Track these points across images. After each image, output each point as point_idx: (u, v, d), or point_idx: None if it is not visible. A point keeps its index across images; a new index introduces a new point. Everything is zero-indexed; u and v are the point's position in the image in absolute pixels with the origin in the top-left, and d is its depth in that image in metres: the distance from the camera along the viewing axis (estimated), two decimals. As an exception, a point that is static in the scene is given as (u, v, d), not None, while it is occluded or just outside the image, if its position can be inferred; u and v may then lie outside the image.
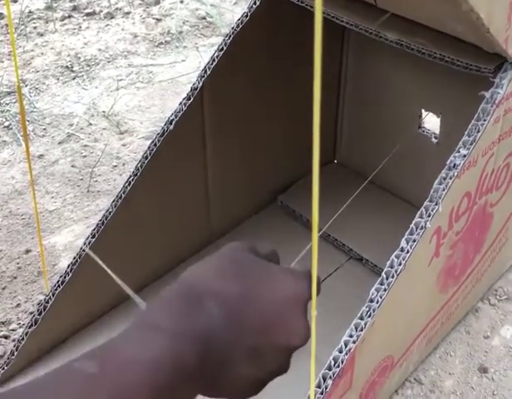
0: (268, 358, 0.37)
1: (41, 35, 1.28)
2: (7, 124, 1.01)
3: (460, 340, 0.66)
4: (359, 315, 0.46)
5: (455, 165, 0.48)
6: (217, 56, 0.63)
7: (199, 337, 0.34)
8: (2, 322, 0.69)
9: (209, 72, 0.63)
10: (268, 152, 0.74)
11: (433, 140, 0.72)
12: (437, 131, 0.71)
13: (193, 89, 0.63)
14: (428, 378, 0.62)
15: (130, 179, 0.61)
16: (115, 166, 0.93)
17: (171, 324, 0.35)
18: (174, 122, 0.62)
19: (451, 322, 0.65)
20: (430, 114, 0.71)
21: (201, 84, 0.62)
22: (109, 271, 0.54)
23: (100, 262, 0.56)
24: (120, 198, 0.60)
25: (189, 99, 0.62)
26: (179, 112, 0.62)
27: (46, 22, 1.32)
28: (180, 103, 0.62)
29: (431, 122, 0.72)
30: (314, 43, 0.23)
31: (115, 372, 0.33)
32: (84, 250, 0.60)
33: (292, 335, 0.38)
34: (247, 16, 0.63)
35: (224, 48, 0.63)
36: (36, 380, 0.31)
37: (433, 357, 0.64)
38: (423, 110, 0.72)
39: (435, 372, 0.63)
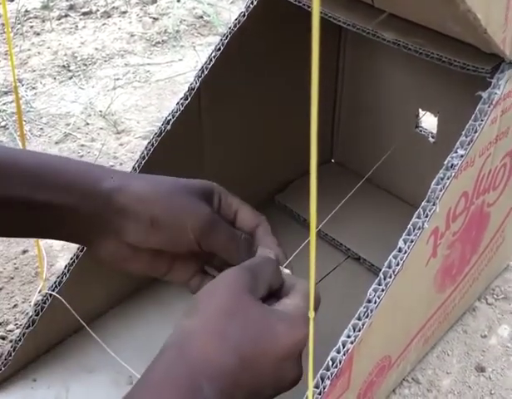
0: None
1: (38, 34, 1.28)
2: (3, 124, 1.01)
3: (457, 339, 0.66)
4: (357, 315, 0.46)
5: (452, 165, 0.48)
6: (214, 56, 0.63)
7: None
8: None
9: (206, 72, 0.62)
10: (266, 152, 0.74)
11: (430, 139, 0.72)
12: (434, 131, 0.71)
13: (190, 89, 0.63)
14: (425, 377, 0.62)
15: (128, 180, 0.61)
16: (113, 166, 0.92)
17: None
18: (171, 122, 0.62)
19: (449, 322, 0.66)
20: (428, 113, 0.72)
21: (198, 84, 0.62)
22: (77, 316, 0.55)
23: (68, 306, 0.57)
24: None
25: (186, 99, 0.62)
26: (177, 112, 0.62)
27: (43, 22, 1.32)
28: (178, 103, 0.62)
29: (428, 122, 0.72)
30: (312, 43, 0.23)
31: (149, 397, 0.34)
32: (81, 250, 0.60)
33: (285, 385, 0.40)
34: (244, 15, 0.63)
35: (222, 48, 0.63)
36: None
37: (430, 356, 0.64)
38: (420, 110, 0.72)
39: (433, 372, 0.63)
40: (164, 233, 0.46)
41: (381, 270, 0.69)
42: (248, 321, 0.38)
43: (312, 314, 0.32)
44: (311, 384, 0.36)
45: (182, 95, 0.62)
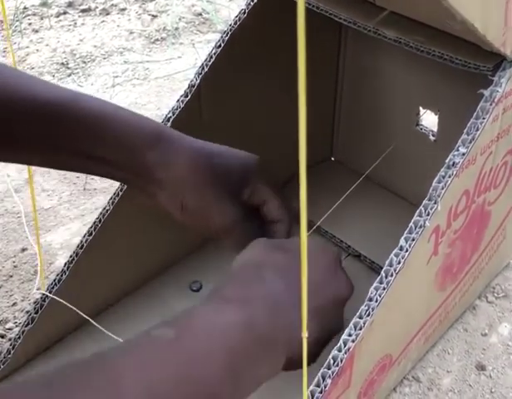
0: (327, 316, 0.44)
1: (37, 31, 1.27)
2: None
3: (457, 337, 0.66)
4: (358, 314, 0.46)
5: (454, 163, 0.48)
6: (214, 53, 0.62)
7: (266, 303, 0.39)
8: (-1, 321, 0.69)
9: (206, 69, 0.62)
10: (266, 149, 0.73)
11: (431, 137, 0.72)
12: (435, 129, 0.71)
13: (190, 86, 0.62)
14: (426, 376, 0.62)
15: (128, 177, 0.61)
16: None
17: (241, 295, 0.40)
18: (171, 119, 0.61)
19: (449, 320, 0.65)
20: (428, 111, 0.71)
21: (199, 81, 0.62)
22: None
23: (65, 302, 0.57)
24: (118, 195, 0.60)
25: (186, 96, 0.62)
26: (177, 109, 0.62)
27: (41, 19, 1.31)
28: (178, 100, 0.62)
29: (429, 120, 0.72)
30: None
31: (191, 339, 0.36)
32: (81, 248, 0.60)
33: (342, 288, 0.46)
34: (244, 12, 0.62)
35: (222, 45, 0.62)
36: (118, 345, 0.35)
37: (431, 354, 0.64)
38: (421, 108, 0.72)
39: (433, 370, 0.63)
40: (190, 217, 0.50)
41: (381, 268, 0.69)
42: (291, 243, 0.46)
43: (304, 334, 0.34)
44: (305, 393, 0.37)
45: (181, 92, 0.62)
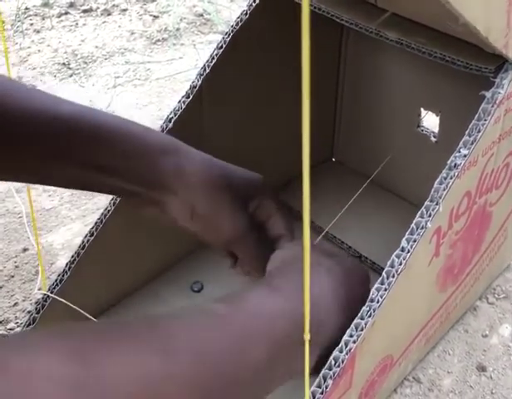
0: (352, 308, 0.45)
1: (38, 32, 1.27)
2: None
3: (458, 339, 0.66)
4: (359, 315, 0.46)
5: (455, 164, 0.48)
6: (216, 54, 0.63)
7: (311, 300, 0.39)
8: (0, 322, 0.69)
9: (208, 70, 0.62)
10: (268, 150, 0.74)
11: (432, 139, 0.72)
12: (436, 130, 0.71)
13: (192, 87, 0.63)
14: (426, 377, 0.62)
15: (129, 178, 0.61)
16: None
17: (288, 288, 0.41)
18: (173, 120, 0.62)
19: (450, 321, 0.66)
20: (429, 113, 0.71)
21: (200, 82, 0.62)
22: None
23: (67, 302, 0.57)
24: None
25: (188, 97, 0.62)
26: (179, 110, 0.62)
27: (43, 19, 1.32)
28: (179, 101, 0.62)
29: (430, 121, 0.72)
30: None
31: (242, 318, 0.38)
32: (82, 248, 0.60)
33: (366, 284, 0.49)
34: (246, 14, 0.62)
35: (224, 46, 0.62)
36: (170, 312, 0.37)
37: (431, 355, 0.64)
38: (422, 109, 0.72)
39: (434, 371, 0.63)
40: (201, 225, 0.51)
41: (382, 269, 0.70)
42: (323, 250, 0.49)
43: (307, 336, 0.34)
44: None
45: (182, 93, 0.62)
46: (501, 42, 0.48)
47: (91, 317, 0.59)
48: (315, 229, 0.76)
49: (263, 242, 0.53)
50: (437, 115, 0.71)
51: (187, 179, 0.50)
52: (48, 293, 0.59)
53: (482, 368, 0.63)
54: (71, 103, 0.49)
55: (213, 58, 0.63)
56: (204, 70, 0.63)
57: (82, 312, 0.59)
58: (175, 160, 0.50)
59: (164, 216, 0.52)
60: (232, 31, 0.63)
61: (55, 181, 0.50)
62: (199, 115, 0.65)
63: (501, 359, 0.64)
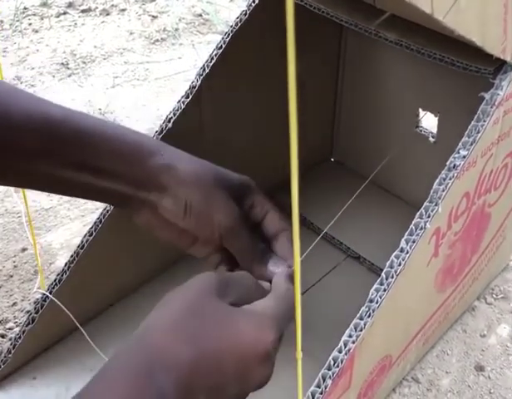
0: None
1: (37, 31, 1.27)
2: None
3: (456, 339, 0.66)
4: (358, 315, 0.46)
5: (454, 165, 0.48)
6: (216, 55, 0.63)
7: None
8: (-1, 321, 0.69)
9: (207, 70, 0.62)
10: (266, 149, 0.74)
11: (430, 139, 0.72)
12: (435, 131, 0.72)
13: (191, 87, 0.63)
14: (425, 377, 0.62)
15: (129, 178, 0.61)
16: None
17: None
18: (172, 120, 0.62)
19: (448, 321, 0.66)
20: (428, 113, 0.72)
21: (200, 82, 0.62)
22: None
23: (62, 305, 0.57)
24: (119, 196, 0.60)
25: (187, 97, 0.62)
26: (178, 110, 0.62)
27: (42, 19, 1.31)
28: (179, 101, 0.62)
29: (429, 122, 0.73)
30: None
31: None
32: (82, 248, 0.60)
33: (251, 385, 0.39)
34: (245, 14, 0.62)
35: (223, 46, 0.63)
36: None
37: (430, 355, 0.64)
38: (421, 110, 0.72)
39: (432, 371, 0.63)
40: (194, 220, 0.49)
41: (380, 269, 0.70)
42: (211, 318, 0.38)
43: (299, 355, 0.32)
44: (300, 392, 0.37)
45: (181, 93, 0.62)
46: (498, 49, 0.48)
47: (79, 327, 0.59)
48: (313, 230, 0.76)
49: (256, 239, 0.51)
50: (436, 116, 0.71)
51: (178, 177, 0.49)
52: (47, 294, 0.59)
53: (480, 368, 0.63)
54: (59, 106, 0.48)
55: (212, 58, 0.63)
56: (204, 70, 0.63)
57: (74, 319, 0.59)
58: (164, 160, 0.49)
59: (156, 220, 0.51)
60: (231, 31, 0.63)
61: (42, 185, 0.49)
62: (199, 115, 0.65)
63: (499, 359, 0.64)
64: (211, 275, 0.41)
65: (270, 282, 0.46)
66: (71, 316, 0.59)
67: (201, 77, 0.63)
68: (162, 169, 0.49)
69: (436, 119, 0.71)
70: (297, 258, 0.30)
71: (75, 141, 0.47)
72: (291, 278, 0.46)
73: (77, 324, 0.60)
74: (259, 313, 0.40)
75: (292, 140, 0.26)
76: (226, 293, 0.41)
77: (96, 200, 0.52)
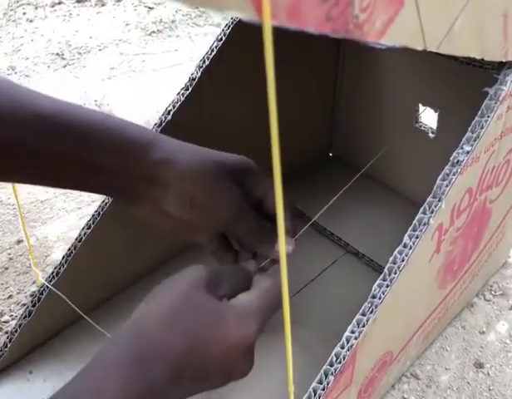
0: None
1: (31, 21, 1.26)
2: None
3: (456, 335, 0.66)
4: (361, 311, 0.46)
5: (458, 161, 0.48)
6: (216, 46, 0.62)
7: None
8: (-6, 314, 0.68)
9: (207, 62, 0.62)
10: (266, 144, 0.73)
11: (430, 134, 0.72)
12: (434, 126, 0.71)
13: (191, 79, 0.62)
14: (424, 373, 0.62)
15: (127, 171, 0.60)
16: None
17: (113, 390, 0.36)
18: (172, 112, 0.61)
19: (448, 318, 0.66)
20: (428, 109, 0.71)
21: (200, 74, 0.62)
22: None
23: (63, 296, 0.57)
24: (117, 189, 0.59)
25: (187, 89, 0.61)
26: (177, 102, 0.61)
27: (36, 8, 1.30)
28: (178, 93, 0.62)
29: (429, 117, 0.72)
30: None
31: None
32: (79, 241, 0.59)
33: (233, 374, 0.41)
34: (246, 6, 0.62)
35: (223, 38, 0.62)
36: None
37: (429, 351, 0.64)
38: (420, 105, 0.72)
39: (432, 367, 0.63)
40: (199, 211, 0.49)
41: (379, 265, 0.69)
42: (199, 311, 0.40)
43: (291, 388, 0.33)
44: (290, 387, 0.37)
45: (177, 85, 0.62)
46: (499, 54, 0.48)
47: (84, 316, 0.59)
48: (311, 225, 0.75)
49: (261, 220, 0.52)
50: (436, 112, 0.70)
51: (178, 171, 0.48)
52: (47, 284, 0.58)
53: (479, 365, 0.63)
54: (54, 99, 0.47)
55: (212, 50, 0.62)
56: (204, 62, 0.62)
57: (77, 309, 0.58)
58: (163, 153, 0.48)
59: (156, 212, 0.50)
60: (232, 23, 0.62)
61: (38, 180, 0.48)
62: (199, 107, 0.64)
63: (498, 356, 0.64)
64: (201, 268, 0.43)
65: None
66: (73, 306, 0.58)
67: (201, 69, 0.62)
68: (162, 163, 0.48)
69: (436, 114, 0.70)
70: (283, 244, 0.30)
71: (70, 135, 0.46)
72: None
73: (80, 313, 0.59)
74: (244, 308, 0.41)
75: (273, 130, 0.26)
76: (215, 287, 0.42)
77: (94, 193, 0.51)
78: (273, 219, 0.52)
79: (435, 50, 0.41)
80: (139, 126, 0.51)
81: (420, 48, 0.39)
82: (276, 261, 0.50)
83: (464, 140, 0.49)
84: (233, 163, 0.51)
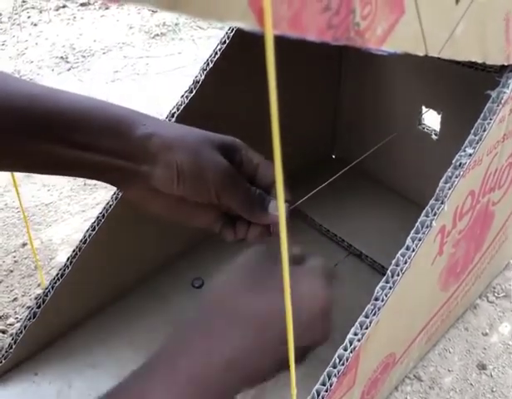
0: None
1: (35, 25, 1.27)
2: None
3: (458, 337, 0.66)
4: (364, 313, 0.46)
5: (460, 164, 0.48)
6: (219, 49, 0.62)
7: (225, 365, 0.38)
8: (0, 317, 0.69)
9: (211, 65, 0.62)
10: (268, 145, 0.74)
11: (433, 136, 0.72)
12: (437, 128, 0.71)
13: (195, 81, 0.62)
14: (427, 375, 0.62)
15: (131, 173, 0.60)
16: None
17: (188, 365, 0.37)
18: (175, 115, 0.61)
19: (451, 320, 0.66)
20: (431, 111, 0.71)
21: (203, 77, 0.62)
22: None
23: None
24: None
25: (191, 92, 0.62)
26: (181, 105, 0.62)
27: (40, 12, 1.31)
28: (182, 96, 0.62)
29: (432, 119, 0.72)
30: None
31: None
32: (84, 243, 0.60)
33: (314, 338, 0.42)
34: (250, 9, 0.62)
35: (227, 41, 0.62)
36: None
37: (432, 353, 0.64)
38: (423, 107, 0.72)
39: (435, 369, 0.63)
40: (189, 182, 0.49)
41: (382, 267, 0.70)
42: (276, 276, 0.40)
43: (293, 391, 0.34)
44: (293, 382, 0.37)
45: (181, 87, 0.62)
46: (501, 58, 0.48)
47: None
48: (314, 226, 0.76)
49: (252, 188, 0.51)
50: (439, 114, 0.71)
51: (164, 143, 0.48)
52: (51, 285, 0.59)
53: (482, 366, 0.63)
54: (35, 84, 0.48)
55: (216, 53, 0.62)
56: (208, 65, 0.62)
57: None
58: (148, 129, 0.49)
59: (149, 193, 0.50)
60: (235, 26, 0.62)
61: (28, 164, 0.49)
62: (202, 110, 0.64)
63: (501, 357, 0.64)
64: (261, 247, 0.45)
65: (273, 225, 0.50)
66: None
67: (205, 72, 0.62)
68: (148, 138, 0.48)
69: (439, 116, 0.71)
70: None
71: (56, 117, 0.47)
72: None
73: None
74: (315, 272, 0.43)
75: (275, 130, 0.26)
76: (278, 260, 0.43)
77: (87, 177, 0.52)
78: (266, 189, 0.51)
79: (436, 55, 0.41)
80: (124, 108, 0.51)
81: (421, 54, 0.40)
82: (270, 231, 0.50)
83: (466, 142, 0.49)
84: (221, 139, 0.51)
